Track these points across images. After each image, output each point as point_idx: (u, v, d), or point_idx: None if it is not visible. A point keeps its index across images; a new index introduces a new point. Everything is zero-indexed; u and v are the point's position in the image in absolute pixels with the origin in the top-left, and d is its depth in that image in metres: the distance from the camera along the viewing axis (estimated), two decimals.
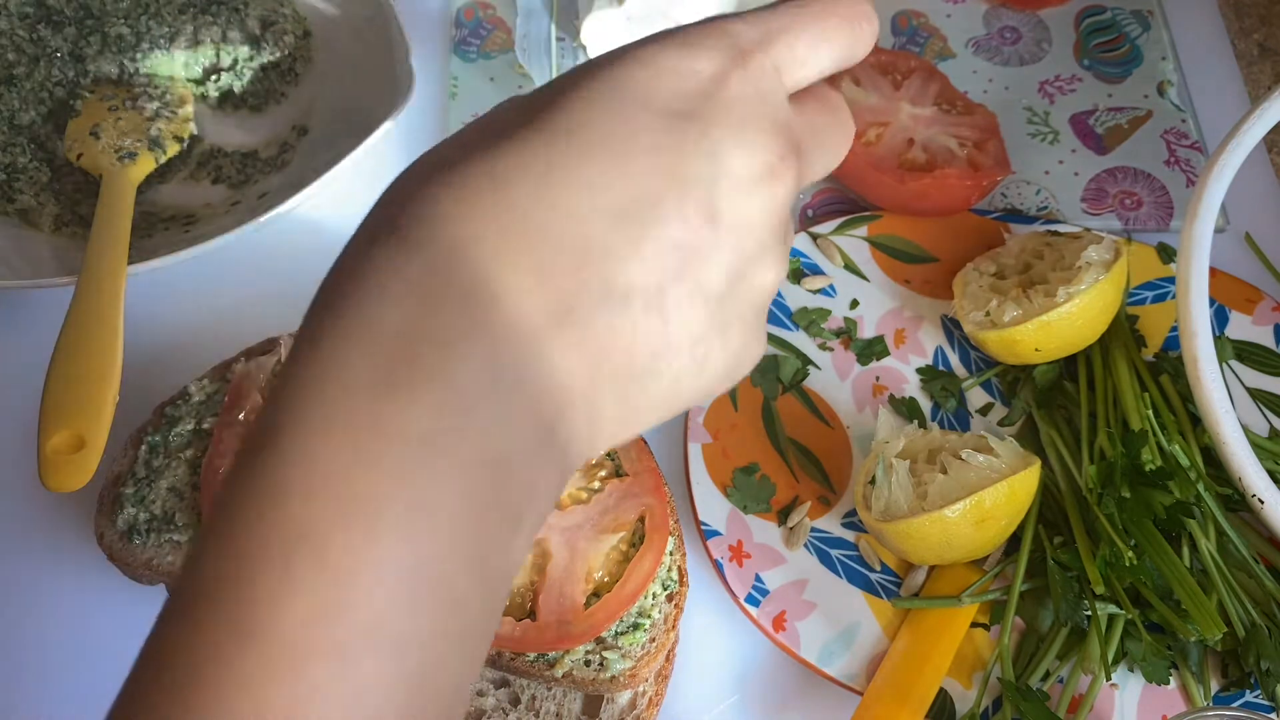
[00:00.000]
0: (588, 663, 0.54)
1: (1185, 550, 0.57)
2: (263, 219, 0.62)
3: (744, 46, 0.33)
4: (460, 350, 0.28)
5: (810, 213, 0.71)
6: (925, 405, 0.64)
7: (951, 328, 0.67)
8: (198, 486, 0.57)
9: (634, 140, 0.31)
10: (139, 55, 0.71)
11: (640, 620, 0.55)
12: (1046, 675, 0.56)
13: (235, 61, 0.73)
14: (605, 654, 0.54)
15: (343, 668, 0.26)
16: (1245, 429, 0.57)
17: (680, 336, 0.32)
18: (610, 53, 0.33)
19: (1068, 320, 0.60)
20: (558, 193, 0.30)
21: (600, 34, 0.71)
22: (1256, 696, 0.56)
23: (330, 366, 0.28)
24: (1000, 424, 0.64)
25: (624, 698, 0.55)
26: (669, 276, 0.32)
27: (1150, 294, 0.68)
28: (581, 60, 0.72)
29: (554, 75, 0.71)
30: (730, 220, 0.32)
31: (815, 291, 0.67)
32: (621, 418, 0.33)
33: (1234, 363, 0.65)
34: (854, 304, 0.67)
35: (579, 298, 0.30)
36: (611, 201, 0.30)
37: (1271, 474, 0.56)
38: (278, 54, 0.73)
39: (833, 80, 0.37)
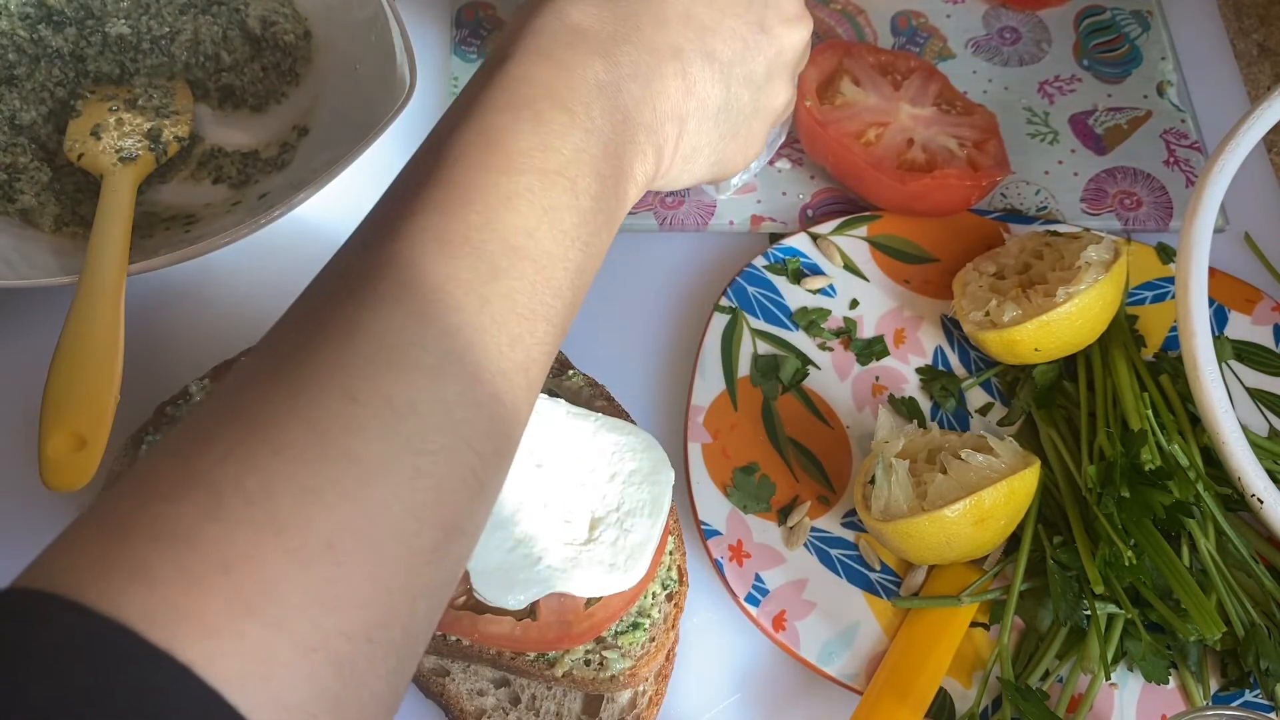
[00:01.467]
0: (588, 662, 0.54)
1: (1185, 550, 0.57)
2: (263, 219, 0.62)
3: None
4: (622, 47, 0.44)
5: (810, 213, 0.71)
6: (925, 405, 0.64)
7: (951, 328, 0.67)
8: None
9: None
10: (139, 55, 0.71)
11: (640, 620, 0.55)
12: (1046, 675, 0.56)
13: (236, 62, 0.73)
14: (605, 653, 0.54)
15: (549, 181, 0.40)
16: (1244, 429, 0.57)
17: (733, 104, 0.49)
18: None
19: (1067, 320, 0.60)
20: None
21: None
22: (1256, 696, 0.56)
23: (545, 28, 0.43)
24: (1000, 424, 0.64)
25: (624, 697, 0.55)
26: (734, 58, 0.49)
27: (1150, 294, 0.68)
28: None
29: None
30: (773, 36, 0.50)
31: (815, 291, 0.67)
32: (688, 151, 0.48)
33: (1233, 363, 0.65)
34: (854, 304, 0.67)
35: (687, 46, 0.46)
36: None
37: (1271, 474, 0.56)
38: (278, 54, 0.73)
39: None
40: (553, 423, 0.57)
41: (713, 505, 0.60)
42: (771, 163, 0.72)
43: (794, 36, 0.52)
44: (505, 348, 0.37)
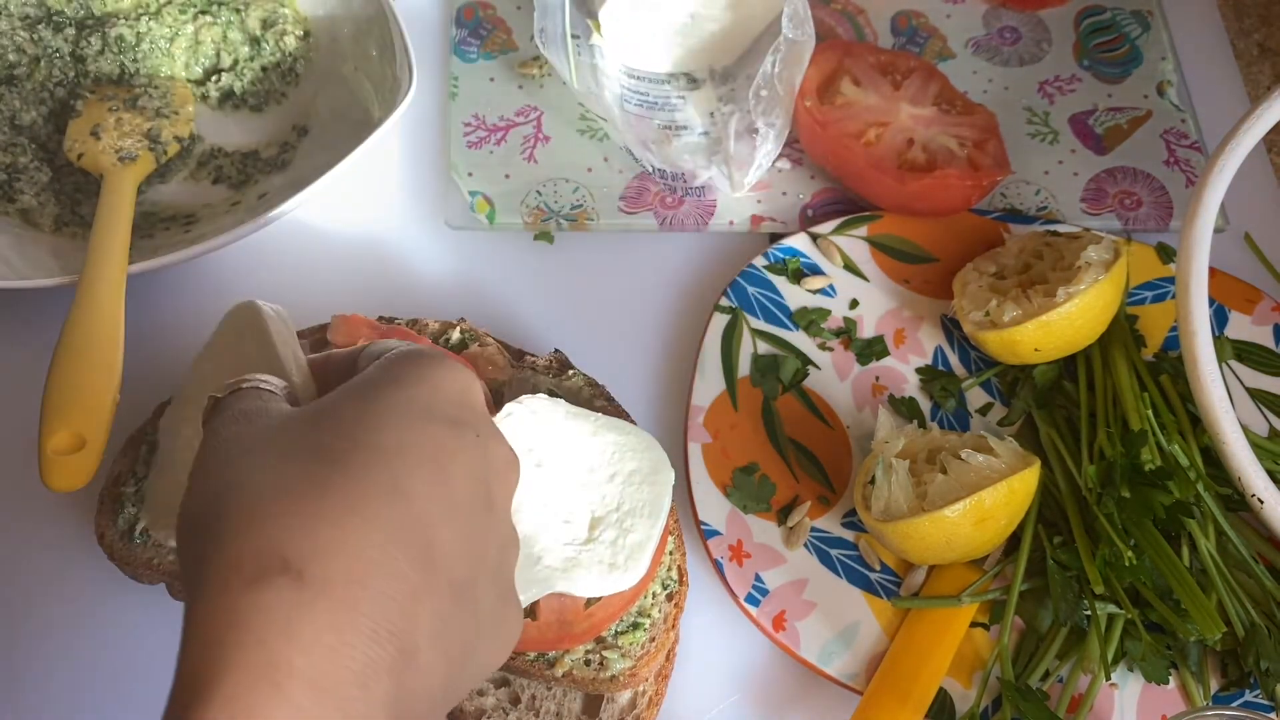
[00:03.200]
0: (588, 662, 0.54)
1: (1185, 550, 0.57)
2: (263, 219, 0.62)
3: (460, 363, 0.40)
4: (371, 689, 0.31)
5: (810, 213, 0.71)
6: (925, 405, 0.64)
7: (951, 328, 0.67)
8: None
9: (440, 448, 0.36)
10: (139, 56, 0.71)
11: (640, 619, 0.55)
12: (1046, 675, 0.56)
13: (235, 62, 0.73)
14: (605, 653, 0.54)
15: None
16: (1245, 429, 0.57)
17: (485, 615, 0.37)
18: (377, 374, 0.38)
19: (1067, 320, 0.60)
20: (403, 509, 0.33)
21: (617, 21, 0.71)
22: (1256, 696, 0.56)
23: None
24: (1000, 424, 0.64)
25: (624, 697, 0.55)
26: (475, 565, 0.36)
27: (1150, 294, 0.68)
28: (599, 60, 0.71)
29: (572, 69, 0.70)
30: (498, 504, 0.39)
31: (815, 291, 0.67)
32: (451, 700, 0.36)
33: (1233, 363, 0.65)
34: (854, 304, 0.67)
35: (442, 608, 0.34)
36: (440, 502, 0.35)
37: (1271, 474, 0.56)
38: (278, 54, 0.73)
39: None
40: (553, 423, 0.57)
41: (713, 505, 0.60)
42: (772, 162, 0.72)
43: (512, 473, 0.40)
44: None
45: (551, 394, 0.59)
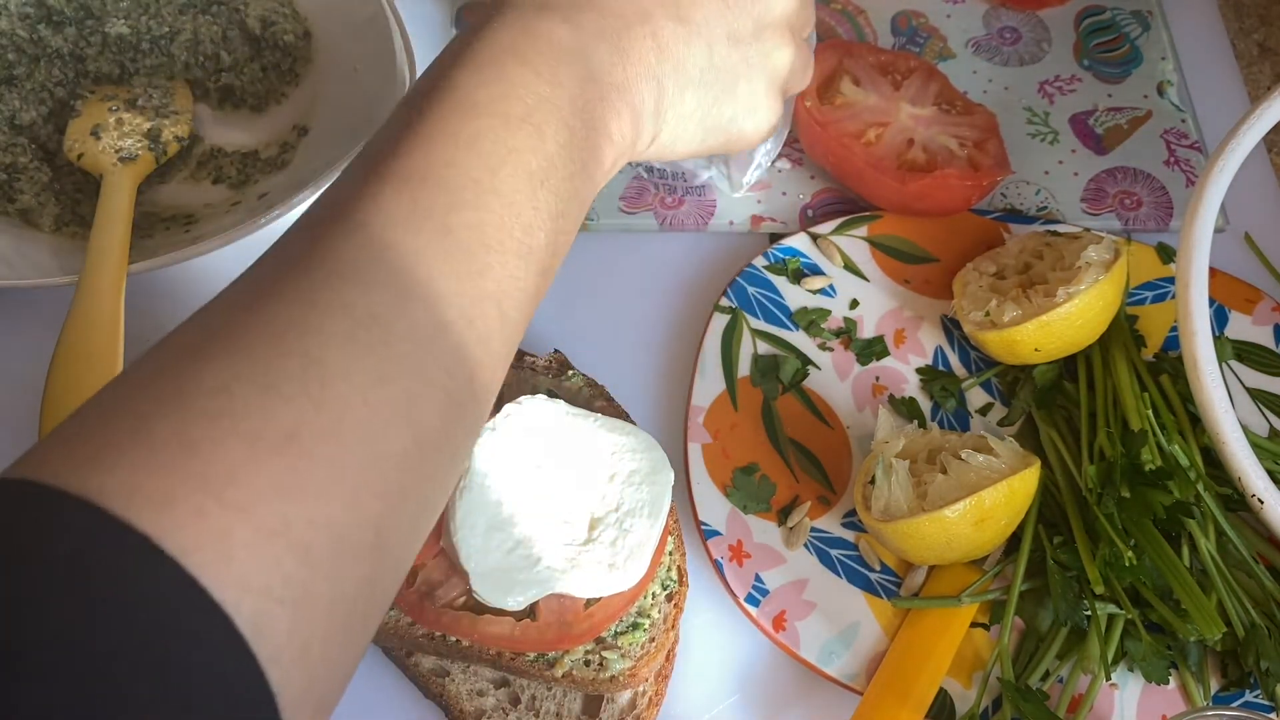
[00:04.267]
0: (588, 662, 0.54)
1: (1185, 550, 0.57)
2: (263, 219, 0.62)
3: None
4: (585, 13, 0.44)
5: (810, 213, 0.71)
6: (925, 405, 0.64)
7: (951, 328, 0.67)
8: None
9: None
10: (139, 55, 0.71)
11: (640, 620, 0.55)
12: (1046, 675, 0.56)
13: (235, 62, 0.73)
14: (605, 654, 0.54)
15: (512, 126, 0.41)
16: (1245, 429, 0.57)
17: (719, 65, 0.49)
18: None
19: (1067, 320, 0.60)
20: None
21: None
22: (1256, 696, 0.56)
23: (512, 1, 0.44)
24: (1000, 424, 0.64)
25: (624, 697, 0.55)
26: (711, 17, 0.48)
27: (1150, 294, 0.68)
28: None
29: None
30: (768, 6, 0.50)
31: (815, 291, 0.67)
32: (674, 116, 0.48)
33: (1233, 363, 0.65)
34: (854, 304, 0.67)
35: (655, 9, 0.46)
36: None
37: (1271, 474, 0.56)
38: (278, 54, 0.73)
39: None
40: (552, 423, 0.57)
41: (713, 505, 0.60)
42: (772, 162, 0.72)
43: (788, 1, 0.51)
44: (474, 274, 0.38)
45: (551, 394, 0.59)
